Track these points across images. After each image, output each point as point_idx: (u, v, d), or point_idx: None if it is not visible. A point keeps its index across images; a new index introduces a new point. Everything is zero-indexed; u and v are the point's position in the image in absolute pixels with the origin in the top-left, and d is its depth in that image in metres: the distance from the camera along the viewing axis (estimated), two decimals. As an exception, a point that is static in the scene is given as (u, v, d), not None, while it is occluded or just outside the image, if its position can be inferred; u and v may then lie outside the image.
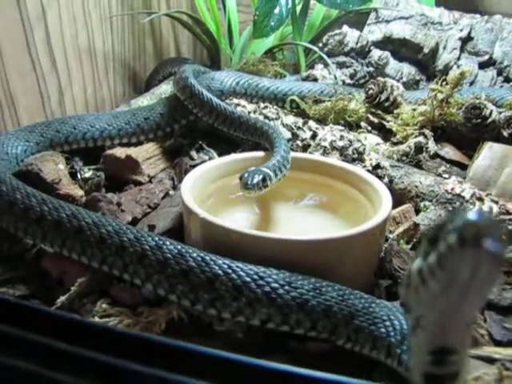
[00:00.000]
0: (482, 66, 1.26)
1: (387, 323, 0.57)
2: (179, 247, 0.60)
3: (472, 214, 0.35)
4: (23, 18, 0.94)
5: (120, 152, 0.96)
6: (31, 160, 0.85)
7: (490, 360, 0.61)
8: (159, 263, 0.60)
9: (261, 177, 0.69)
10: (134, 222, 0.80)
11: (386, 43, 1.26)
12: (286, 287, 0.56)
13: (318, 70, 1.24)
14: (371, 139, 1.04)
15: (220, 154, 1.01)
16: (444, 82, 1.03)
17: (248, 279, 0.56)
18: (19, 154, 0.89)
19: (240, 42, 1.46)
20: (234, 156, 0.87)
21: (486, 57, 1.25)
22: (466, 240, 0.35)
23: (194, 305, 0.59)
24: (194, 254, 0.59)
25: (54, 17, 1.02)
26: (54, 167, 0.88)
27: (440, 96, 1.03)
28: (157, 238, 0.61)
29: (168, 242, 0.61)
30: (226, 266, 0.57)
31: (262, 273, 0.57)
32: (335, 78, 1.21)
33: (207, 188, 0.78)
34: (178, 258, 0.58)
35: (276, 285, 0.56)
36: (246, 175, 0.71)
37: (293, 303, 0.56)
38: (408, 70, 1.26)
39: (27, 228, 0.70)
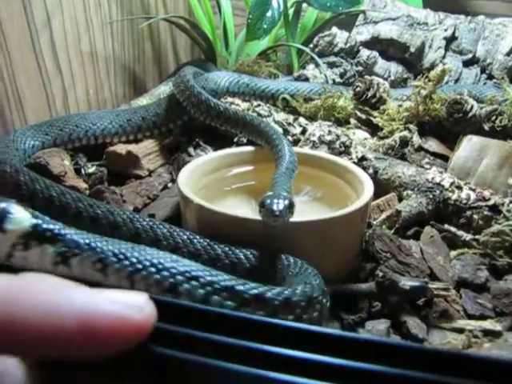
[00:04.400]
0: (467, 64, 1.31)
1: None
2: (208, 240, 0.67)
3: None
4: (30, 24, 1.00)
5: (121, 148, 1.02)
6: (39, 154, 0.92)
7: (461, 331, 0.67)
8: (190, 253, 0.65)
9: (287, 202, 0.63)
10: (135, 211, 0.85)
11: (374, 43, 1.32)
12: None
13: (310, 70, 1.29)
14: (359, 134, 1.10)
15: (216, 150, 1.06)
16: (427, 79, 1.09)
17: None
18: (27, 150, 0.95)
19: (235, 44, 1.52)
20: (227, 150, 0.92)
21: (470, 55, 1.31)
22: None
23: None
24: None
25: (58, 23, 1.08)
26: (60, 162, 0.94)
27: (423, 92, 1.09)
28: (186, 234, 0.68)
29: (198, 236, 0.67)
30: None
31: None
32: (326, 77, 1.27)
33: (202, 180, 0.84)
34: (208, 249, 0.65)
35: None
36: (268, 202, 0.63)
37: None
38: (395, 68, 1.32)
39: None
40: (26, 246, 0.52)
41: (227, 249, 0.66)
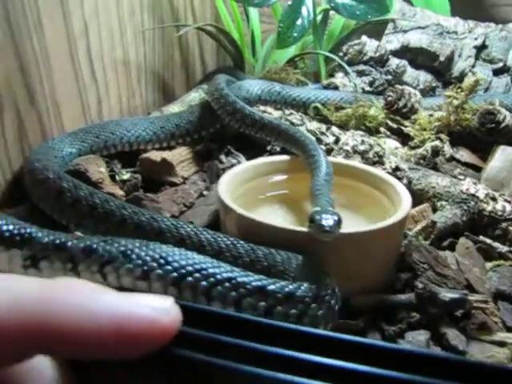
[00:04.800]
0: (497, 72, 1.31)
1: None
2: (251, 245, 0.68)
3: None
4: (69, 33, 1.02)
5: (155, 155, 1.04)
6: (78, 161, 0.94)
7: (502, 344, 0.67)
8: (233, 257, 0.66)
9: (336, 218, 0.65)
10: (172, 219, 0.87)
11: (404, 52, 1.33)
12: None
13: (339, 78, 1.30)
14: (390, 143, 1.11)
15: (247, 158, 1.08)
16: (459, 89, 1.09)
17: None
18: (65, 157, 0.97)
19: (263, 51, 1.53)
20: (262, 159, 0.93)
21: (500, 64, 1.31)
22: None
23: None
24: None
25: (95, 32, 1.10)
26: (96, 169, 0.95)
27: (455, 102, 1.09)
28: (230, 239, 0.69)
29: (242, 241, 0.68)
30: None
31: None
32: (355, 85, 1.27)
33: (239, 189, 0.85)
34: (250, 252, 0.66)
35: None
36: (318, 218, 0.65)
37: None
38: (424, 77, 1.32)
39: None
40: None
41: (268, 251, 0.68)
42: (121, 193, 0.93)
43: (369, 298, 0.72)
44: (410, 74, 1.32)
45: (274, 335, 0.40)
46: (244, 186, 0.86)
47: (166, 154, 1.04)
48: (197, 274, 0.54)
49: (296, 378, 0.37)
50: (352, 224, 0.80)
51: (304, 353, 0.38)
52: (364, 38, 1.34)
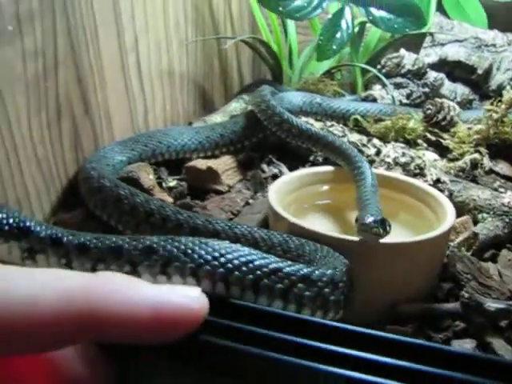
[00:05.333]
0: (535, 86, 1.32)
1: None
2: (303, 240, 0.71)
3: None
4: (121, 46, 1.07)
5: (201, 164, 1.07)
6: (130, 168, 0.98)
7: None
8: (284, 252, 0.69)
9: (386, 223, 0.69)
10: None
11: (441, 65, 1.35)
12: None
13: (377, 91, 1.33)
14: (429, 156, 1.12)
15: (288, 167, 1.11)
16: (499, 103, 1.11)
17: None
18: (116, 165, 1.02)
19: (299, 62, 1.57)
20: (307, 170, 0.97)
21: (540, 78, 1.32)
22: None
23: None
24: None
25: (144, 44, 1.15)
26: (147, 176, 1.00)
27: (495, 116, 1.11)
28: (283, 236, 0.72)
29: (294, 238, 0.71)
30: None
31: None
32: (393, 98, 1.30)
33: (286, 198, 0.88)
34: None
35: None
36: (363, 217, 0.69)
37: None
38: (462, 90, 1.34)
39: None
40: None
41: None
42: (170, 199, 0.97)
43: (414, 305, 0.74)
44: (448, 86, 1.34)
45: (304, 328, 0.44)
46: (291, 195, 0.89)
47: (212, 163, 1.08)
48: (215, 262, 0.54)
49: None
50: (396, 235, 0.82)
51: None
52: (402, 51, 1.36)
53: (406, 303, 0.74)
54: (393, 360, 0.42)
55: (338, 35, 1.34)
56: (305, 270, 0.56)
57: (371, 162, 1.03)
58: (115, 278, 0.42)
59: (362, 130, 1.19)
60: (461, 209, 0.95)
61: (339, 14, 1.34)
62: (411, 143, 1.16)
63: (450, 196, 0.96)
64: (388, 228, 0.69)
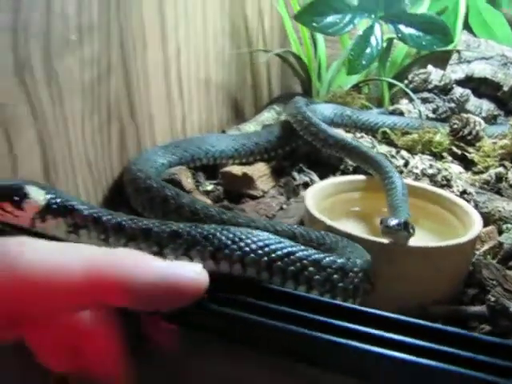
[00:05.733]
0: (560, 103, 1.37)
1: None
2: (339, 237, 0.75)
3: None
4: (165, 55, 1.14)
5: (236, 170, 1.13)
6: (173, 171, 1.04)
7: None
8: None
9: (403, 220, 0.74)
10: (257, 229, 0.96)
11: (468, 82, 1.39)
12: None
13: (404, 105, 1.38)
14: (454, 168, 1.17)
15: (319, 176, 1.16)
16: (524, 119, 1.15)
17: None
18: (158, 168, 1.08)
19: (328, 75, 1.62)
20: (340, 178, 1.02)
21: None
22: None
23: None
24: None
25: (185, 54, 1.21)
26: (186, 179, 1.06)
27: (520, 131, 1.15)
28: (323, 232, 0.77)
29: (330, 234, 0.75)
30: None
31: None
32: (420, 112, 1.35)
33: (320, 204, 0.93)
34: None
35: None
36: (386, 219, 0.74)
37: None
38: (487, 106, 1.39)
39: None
40: (42, 220, 0.62)
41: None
42: (209, 202, 1.03)
43: (442, 307, 0.79)
44: (473, 102, 1.38)
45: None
46: (326, 200, 0.94)
47: (247, 169, 1.13)
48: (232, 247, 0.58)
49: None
50: (425, 241, 0.87)
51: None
52: (430, 67, 1.41)
53: (434, 305, 0.79)
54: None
55: (368, 51, 1.40)
56: (316, 256, 0.60)
57: (399, 173, 1.08)
58: (132, 253, 0.49)
59: (389, 142, 1.24)
60: (486, 219, 0.99)
61: (369, 30, 1.39)
62: (437, 156, 1.21)
63: (476, 207, 1.00)
64: (411, 230, 0.74)
